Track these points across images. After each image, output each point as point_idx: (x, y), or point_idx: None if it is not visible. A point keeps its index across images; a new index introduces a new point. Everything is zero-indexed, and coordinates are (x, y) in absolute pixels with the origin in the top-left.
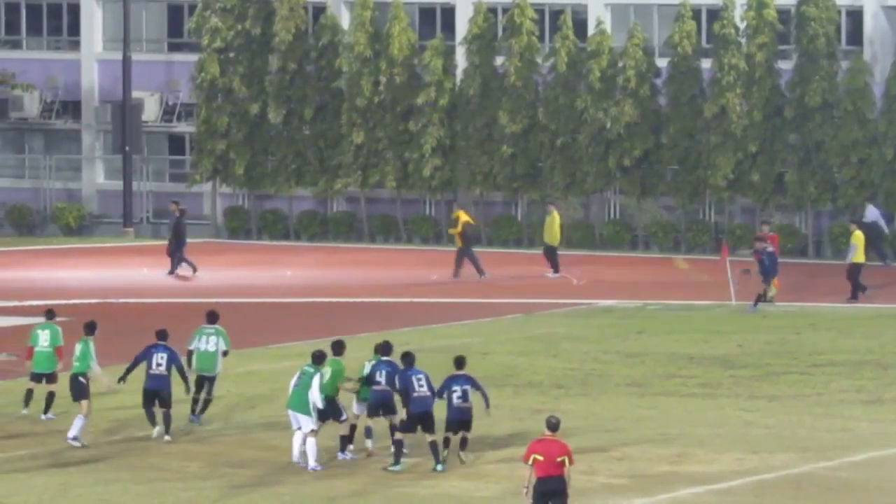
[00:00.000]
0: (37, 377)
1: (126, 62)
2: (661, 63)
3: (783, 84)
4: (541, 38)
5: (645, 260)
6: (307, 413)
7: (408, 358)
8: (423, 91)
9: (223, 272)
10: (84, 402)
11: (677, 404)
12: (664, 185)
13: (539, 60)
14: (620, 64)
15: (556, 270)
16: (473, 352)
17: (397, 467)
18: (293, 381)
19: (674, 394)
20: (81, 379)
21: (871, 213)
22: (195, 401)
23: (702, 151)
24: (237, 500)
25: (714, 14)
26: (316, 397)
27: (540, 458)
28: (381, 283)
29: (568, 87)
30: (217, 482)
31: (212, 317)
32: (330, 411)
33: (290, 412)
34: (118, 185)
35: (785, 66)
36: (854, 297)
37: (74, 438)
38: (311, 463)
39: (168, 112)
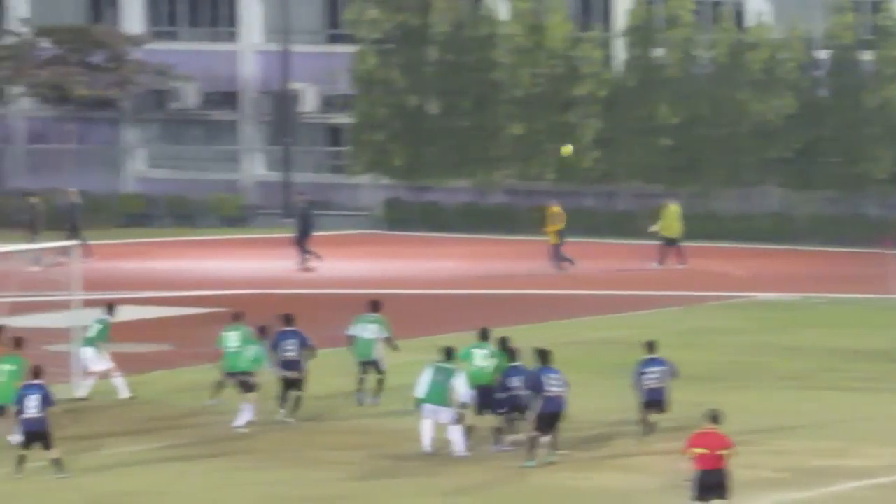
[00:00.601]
0: (230, 377)
1: (284, 53)
2: (822, 55)
3: None
4: (700, 29)
5: (805, 253)
6: (447, 405)
7: (543, 356)
8: (581, 83)
9: (381, 263)
10: (252, 395)
11: (839, 398)
12: (824, 177)
13: (698, 52)
14: (780, 56)
15: (661, 263)
16: (632, 344)
17: (531, 463)
18: (425, 377)
19: (835, 388)
20: (250, 378)
21: None
22: (361, 381)
23: (863, 144)
24: (397, 489)
25: (876, 6)
26: (464, 391)
27: (701, 451)
28: (539, 276)
29: (727, 78)
30: (373, 472)
31: (374, 306)
32: (488, 402)
33: (428, 406)
34: (277, 176)
35: None
36: None
37: (240, 426)
38: (459, 450)
39: (326, 103)
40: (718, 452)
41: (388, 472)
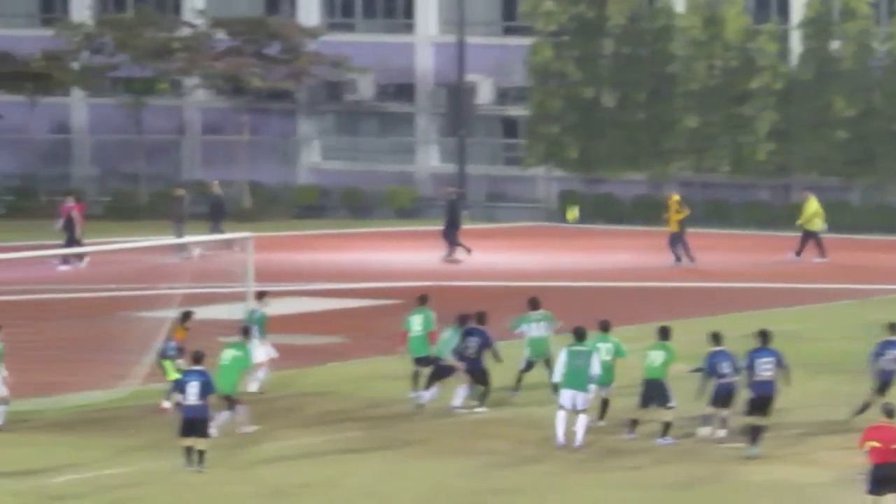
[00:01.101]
0: (417, 361)
1: (460, 45)
2: None
3: None
4: (877, 21)
5: None
6: (585, 390)
7: (763, 337)
8: (757, 75)
9: (553, 256)
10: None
11: None
12: None
13: (875, 45)
14: None
15: (798, 254)
16: (805, 338)
17: (755, 451)
18: (561, 362)
19: None
20: (441, 363)
21: None
22: (519, 379)
23: None
24: (569, 481)
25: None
26: (597, 371)
27: (876, 444)
28: (712, 268)
29: None
30: (549, 464)
31: (534, 303)
32: (657, 396)
33: (566, 392)
34: (452, 168)
35: None
36: None
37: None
38: (580, 439)
39: (501, 95)
40: (893, 446)
41: (560, 465)
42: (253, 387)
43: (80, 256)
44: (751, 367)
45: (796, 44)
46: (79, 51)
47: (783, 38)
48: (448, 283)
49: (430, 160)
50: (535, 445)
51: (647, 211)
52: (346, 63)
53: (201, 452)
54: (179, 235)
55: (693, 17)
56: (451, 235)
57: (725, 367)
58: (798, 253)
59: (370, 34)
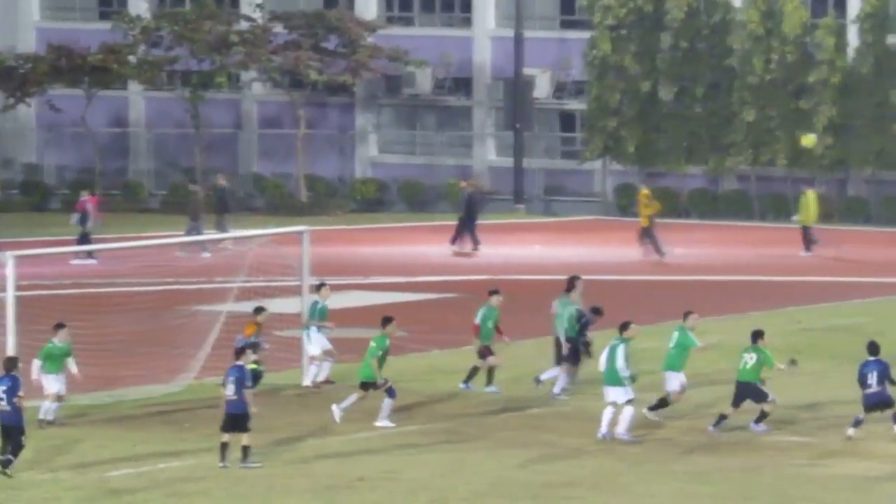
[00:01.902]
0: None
1: (518, 39)
2: None
3: None
4: None
5: None
6: (619, 384)
7: (871, 348)
8: (815, 69)
9: (612, 250)
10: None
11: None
12: None
13: None
14: None
15: (808, 249)
16: (867, 332)
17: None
18: (605, 354)
19: None
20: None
21: None
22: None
23: None
24: (625, 474)
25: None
26: (622, 366)
27: None
28: (770, 262)
29: None
30: (605, 458)
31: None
32: (751, 396)
33: (606, 387)
34: (509, 161)
35: None
36: None
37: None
38: (621, 430)
39: (559, 89)
40: None
41: (616, 458)
42: (305, 381)
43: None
44: (861, 378)
45: (854, 38)
46: (137, 44)
47: (841, 33)
48: (506, 276)
49: (488, 154)
50: (592, 439)
51: (705, 204)
52: (403, 57)
53: (245, 448)
54: (198, 232)
55: (751, 10)
56: (467, 227)
57: (870, 378)
58: (808, 248)
59: (428, 28)
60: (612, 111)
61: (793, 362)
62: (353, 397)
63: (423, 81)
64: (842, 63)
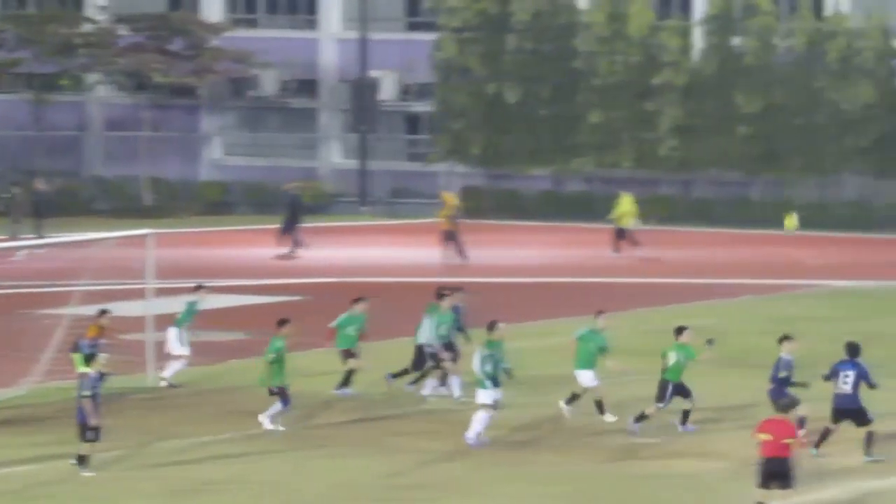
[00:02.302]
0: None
1: (363, 41)
2: None
3: None
4: (778, 18)
5: (882, 241)
6: (482, 387)
7: (851, 349)
8: (660, 71)
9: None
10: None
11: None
12: None
13: (776, 41)
14: (858, 45)
15: (616, 250)
16: (710, 333)
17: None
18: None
19: None
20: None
21: None
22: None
23: None
24: (475, 477)
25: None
26: (477, 368)
27: (767, 437)
28: (616, 263)
29: (805, 67)
30: (454, 460)
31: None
32: (681, 390)
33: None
34: (355, 163)
35: None
36: None
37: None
38: (469, 434)
39: (405, 91)
40: (783, 441)
41: (466, 461)
42: (166, 373)
43: None
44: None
45: (699, 39)
46: None
47: (686, 34)
48: (351, 279)
49: (333, 156)
50: (443, 442)
51: (550, 206)
52: (249, 59)
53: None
54: (15, 235)
55: (597, 12)
56: (290, 230)
57: (845, 379)
58: (616, 249)
59: (273, 30)
60: (458, 113)
61: (709, 342)
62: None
63: (268, 83)
64: (687, 65)
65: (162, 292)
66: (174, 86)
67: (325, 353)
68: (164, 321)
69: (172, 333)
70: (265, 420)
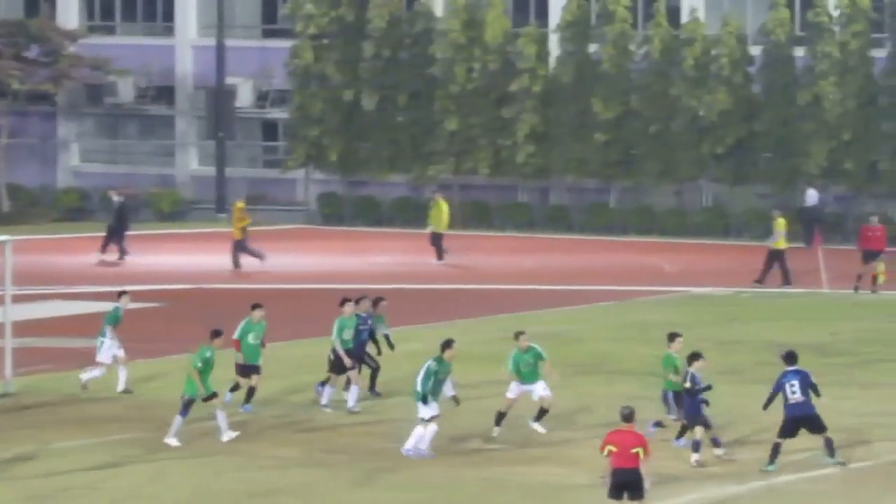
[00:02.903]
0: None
1: (220, 48)
2: (755, 51)
3: (877, 72)
4: (634, 25)
5: (738, 248)
6: (422, 401)
7: (789, 358)
8: (517, 78)
9: (315, 258)
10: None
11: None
12: (758, 172)
13: (633, 48)
14: (714, 52)
15: (440, 258)
16: (567, 339)
17: (771, 467)
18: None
19: (768, 381)
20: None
21: (811, 197)
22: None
23: (795, 139)
24: (332, 483)
25: (808, 2)
26: (418, 382)
27: (614, 448)
28: (474, 270)
29: (662, 74)
30: (312, 468)
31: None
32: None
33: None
34: (212, 170)
35: (879, 54)
36: (787, 283)
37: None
38: (414, 445)
39: (262, 98)
40: (632, 451)
41: (325, 467)
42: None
43: None
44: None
45: (555, 47)
46: None
47: (542, 41)
48: (211, 285)
49: (191, 163)
50: (297, 447)
51: (407, 213)
52: (106, 66)
53: None
54: None
55: (453, 20)
56: (117, 236)
57: (791, 388)
58: (440, 256)
59: (130, 37)
60: (315, 120)
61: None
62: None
63: (126, 90)
64: (543, 72)
65: (18, 299)
66: (31, 92)
67: (174, 360)
68: (21, 329)
69: (98, 341)
70: (227, 433)
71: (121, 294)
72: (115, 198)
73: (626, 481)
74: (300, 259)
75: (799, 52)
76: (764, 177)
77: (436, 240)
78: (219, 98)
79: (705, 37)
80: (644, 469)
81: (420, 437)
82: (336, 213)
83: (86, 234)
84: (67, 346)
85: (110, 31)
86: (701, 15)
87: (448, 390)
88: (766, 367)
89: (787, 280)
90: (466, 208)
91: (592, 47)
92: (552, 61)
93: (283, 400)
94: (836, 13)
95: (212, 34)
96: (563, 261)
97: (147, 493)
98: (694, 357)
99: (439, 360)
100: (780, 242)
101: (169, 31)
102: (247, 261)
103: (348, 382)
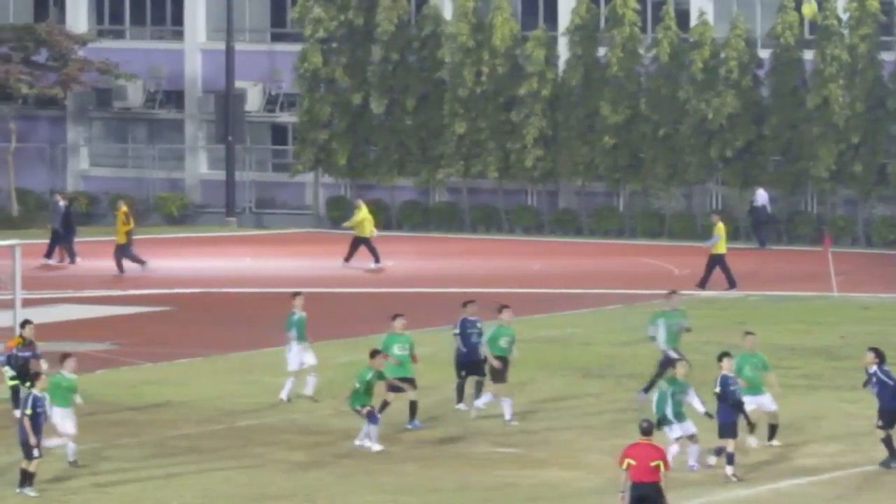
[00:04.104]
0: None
1: (229, 52)
2: (764, 54)
3: (886, 75)
4: (643, 28)
5: (745, 251)
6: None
7: (877, 353)
8: (525, 82)
9: (324, 262)
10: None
11: (778, 396)
12: (766, 175)
13: (641, 51)
14: (722, 55)
15: (377, 261)
16: (575, 342)
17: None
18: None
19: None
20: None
21: (761, 197)
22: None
23: (804, 142)
24: (338, 487)
25: (817, 5)
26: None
27: (633, 462)
28: (483, 274)
29: (670, 77)
30: (316, 470)
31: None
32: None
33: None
34: (221, 174)
35: (888, 57)
36: (733, 286)
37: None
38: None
39: (271, 102)
40: (651, 464)
41: (330, 470)
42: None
43: None
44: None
45: (563, 50)
46: None
47: (551, 45)
48: (220, 290)
49: (199, 167)
50: (305, 451)
51: (417, 216)
52: (114, 70)
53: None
54: None
55: (461, 23)
56: (65, 240)
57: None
58: (347, 259)
59: (139, 41)
60: (324, 124)
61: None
62: None
63: (135, 94)
64: (552, 75)
65: (28, 303)
66: (39, 97)
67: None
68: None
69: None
70: (365, 440)
71: (295, 295)
72: (61, 202)
73: (645, 495)
74: (306, 263)
75: (808, 55)
76: (772, 180)
77: (365, 244)
78: (228, 102)
79: (713, 40)
80: (664, 483)
81: (696, 454)
82: (344, 216)
83: (94, 238)
84: (74, 350)
85: (119, 35)
86: (709, 18)
87: (698, 406)
88: (774, 371)
89: (731, 283)
90: (474, 212)
91: (601, 51)
92: (560, 65)
93: (291, 404)
94: (844, 16)
95: (221, 38)
96: (571, 264)
97: (155, 497)
98: (723, 356)
99: (672, 380)
100: (720, 247)
101: (178, 36)
102: (129, 265)
103: (479, 388)
